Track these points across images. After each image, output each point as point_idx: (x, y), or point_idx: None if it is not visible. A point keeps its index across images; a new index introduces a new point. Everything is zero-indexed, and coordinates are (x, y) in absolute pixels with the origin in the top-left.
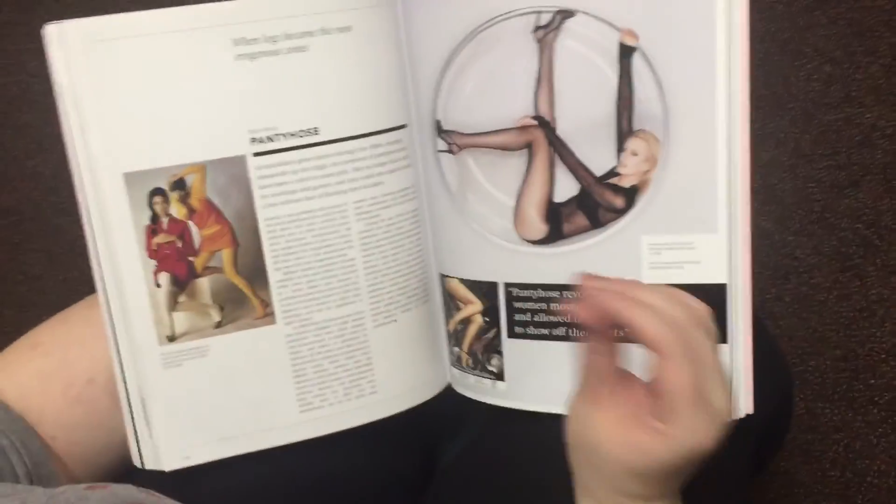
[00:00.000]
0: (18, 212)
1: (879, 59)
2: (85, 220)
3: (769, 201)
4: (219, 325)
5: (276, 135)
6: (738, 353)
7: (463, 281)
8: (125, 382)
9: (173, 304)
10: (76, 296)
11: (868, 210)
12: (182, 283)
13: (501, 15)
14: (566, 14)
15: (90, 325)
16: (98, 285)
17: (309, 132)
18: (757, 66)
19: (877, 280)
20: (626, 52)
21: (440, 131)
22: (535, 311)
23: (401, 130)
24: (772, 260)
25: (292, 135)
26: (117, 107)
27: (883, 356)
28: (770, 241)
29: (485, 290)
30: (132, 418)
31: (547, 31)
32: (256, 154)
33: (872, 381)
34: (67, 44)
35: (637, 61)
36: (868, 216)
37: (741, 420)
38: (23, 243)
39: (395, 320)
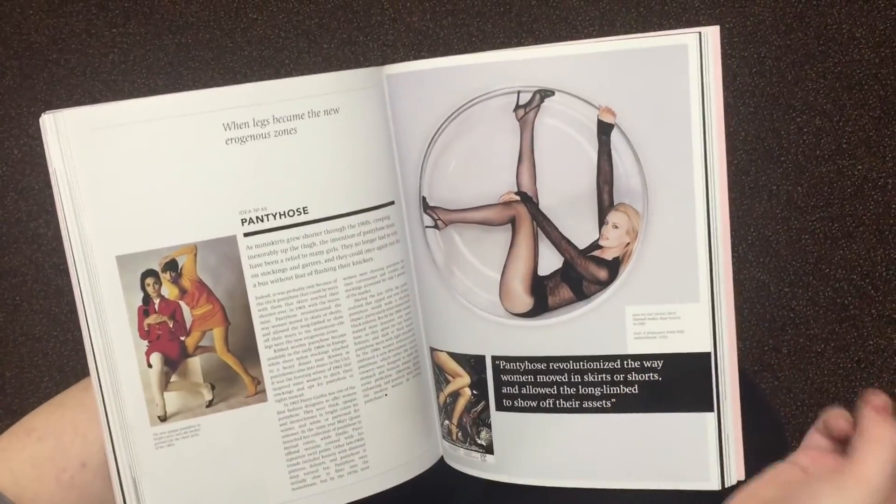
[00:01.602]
0: (20, 273)
1: (869, 111)
2: (78, 301)
3: (764, 253)
4: (210, 403)
5: (266, 214)
6: (727, 420)
7: (451, 354)
8: (117, 463)
9: (165, 384)
10: (76, 357)
11: (862, 261)
12: (174, 363)
13: (483, 95)
14: (546, 93)
15: (84, 408)
16: (91, 366)
17: (298, 211)
18: (748, 121)
19: (873, 331)
20: (604, 129)
21: (426, 207)
22: (523, 384)
23: (389, 207)
24: (768, 312)
25: (282, 214)
26: (110, 191)
27: None
28: (766, 293)
29: (473, 363)
30: (124, 499)
31: (527, 110)
32: (247, 234)
33: None
34: (62, 132)
35: (615, 137)
36: (863, 267)
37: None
38: (24, 304)
39: (386, 395)
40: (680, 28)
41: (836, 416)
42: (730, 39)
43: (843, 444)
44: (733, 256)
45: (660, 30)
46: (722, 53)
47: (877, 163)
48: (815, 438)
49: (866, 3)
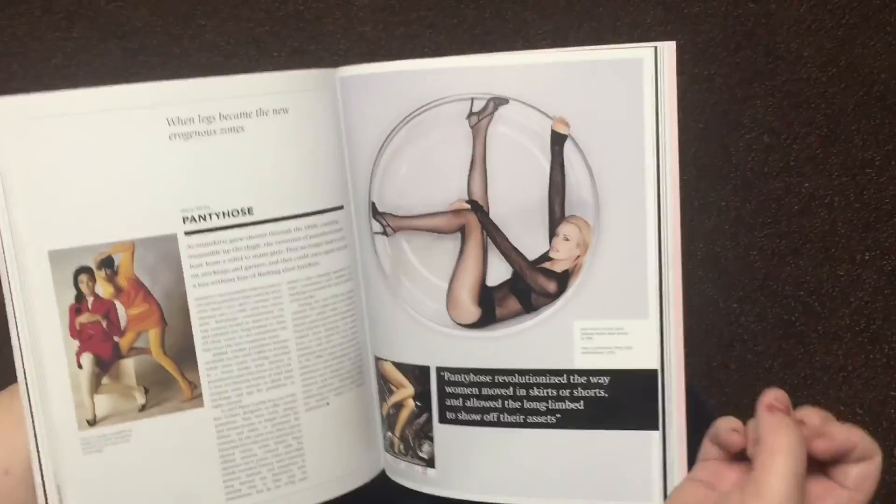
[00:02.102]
0: None
1: (816, 129)
2: (7, 297)
3: (713, 269)
4: (143, 408)
5: (209, 213)
6: (672, 440)
7: (396, 364)
8: (41, 469)
9: (96, 387)
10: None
11: (809, 277)
12: (106, 365)
13: (436, 100)
14: (500, 101)
15: (10, 413)
16: (17, 365)
17: (243, 212)
18: (697, 138)
19: (820, 346)
20: (557, 140)
21: (375, 213)
22: (467, 396)
23: (337, 211)
24: (716, 327)
25: (226, 214)
26: (46, 183)
27: None
28: (715, 309)
29: (417, 374)
30: None
31: (481, 118)
32: (188, 233)
33: None
34: None
35: (569, 148)
36: (809, 283)
37: None
38: None
39: (328, 403)
40: (632, 43)
41: (726, 431)
42: (680, 56)
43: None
44: (682, 272)
45: (612, 44)
46: None
47: (823, 180)
48: (710, 450)
49: (814, 23)
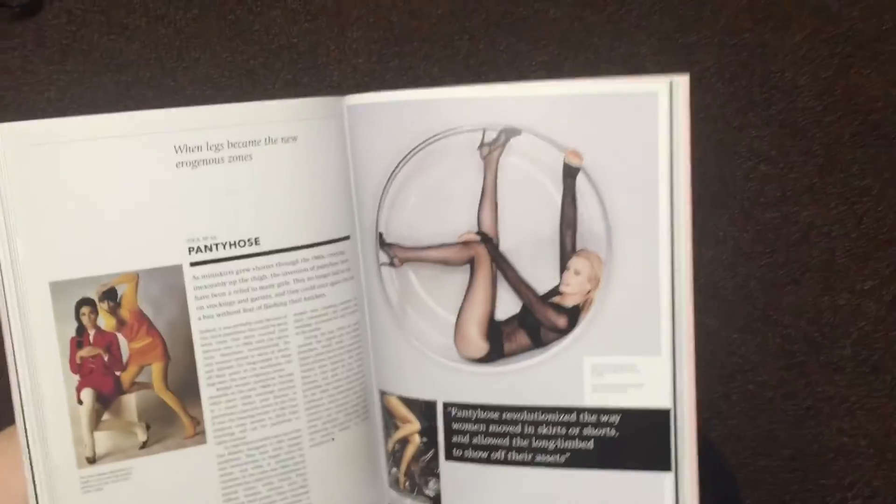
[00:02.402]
0: None
1: (813, 158)
2: (5, 329)
3: (712, 299)
4: (144, 445)
5: (216, 244)
6: (685, 481)
7: (402, 399)
8: None
9: (96, 423)
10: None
11: (809, 307)
12: (107, 400)
13: (447, 131)
14: (512, 132)
15: (7, 456)
16: (15, 401)
17: (250, 242)
18: (694, 166)
19: (821, 377)
20: (570, 172)
21: (382, 244)
22: (474, 433)
23: (344, 242)
24: (717, 358)
25: (232, 244)
26: (48, 212)
27: (831, 455)
28: (715, 339)
29: (423, 409)
30: None
31: (492, 149)
32: (194, 264)
33: (823, 482)
34: None
35: (581, 181)
36: (809, 313)
37: None
38: None
39: (333, 439)
40: (626, 75)
41: None
42: None
43: None
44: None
45: (606, 75)
46: None
47: (821, 210)
48: None
49: (809, 52)
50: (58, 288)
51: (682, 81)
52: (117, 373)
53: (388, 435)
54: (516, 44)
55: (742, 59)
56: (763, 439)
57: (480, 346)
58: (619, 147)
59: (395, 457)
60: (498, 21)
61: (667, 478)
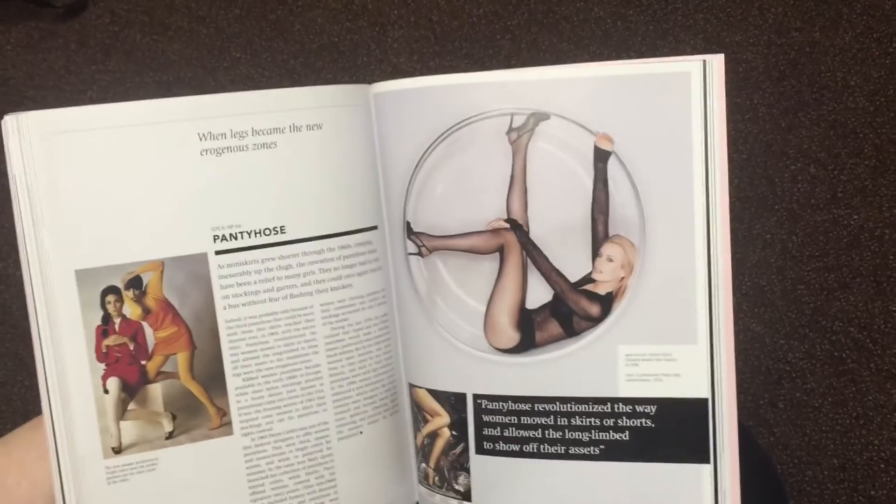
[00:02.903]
0: None
1: (864, 160)
2: (32, 319)
3: (759, 304)
4: (170, 435)
5: (241, 232)
6: (724, 473)
7: (431, 391)
8: (64, 500)
9: (121, 413)
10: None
11: (860, 313)
12: (132, 389)
13: (474, 116)
14: (541, 116)
15: (33, 447)
16: (42, 390)
17: (275, 230)
18: (741, 168)
19: (872, 385)
20: (601, 156)
21: (410, 233)
22: (505, 426)
23: (371, 232)
24: (763, 364)
25: (257, 233)
26: (73, 200)
27: (882, 465)
28: (761, 345)
29: (453, 402)
30: None
31: (521, 134)
32: (219, 252)
33: (873, 493)
34: (25, 134)
35: (613, 165)
36: (860, 319)
37: None
38: None
39: (361, 432)
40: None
41: None
42: None
43: None
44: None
45: (656, 58)
46: None
47: (873, 212)
48: None
49: (860, 52)
50: (83, 276)
51: (716, 60)
52: (143, 362)
53: (417, 429)
54: (558, 43)
55: (791, 59)
56: (811, 449)
57: (511, 336)
58: (651, 130)
59: (424, 451)
60: (540, 20)
61: (705, 470)
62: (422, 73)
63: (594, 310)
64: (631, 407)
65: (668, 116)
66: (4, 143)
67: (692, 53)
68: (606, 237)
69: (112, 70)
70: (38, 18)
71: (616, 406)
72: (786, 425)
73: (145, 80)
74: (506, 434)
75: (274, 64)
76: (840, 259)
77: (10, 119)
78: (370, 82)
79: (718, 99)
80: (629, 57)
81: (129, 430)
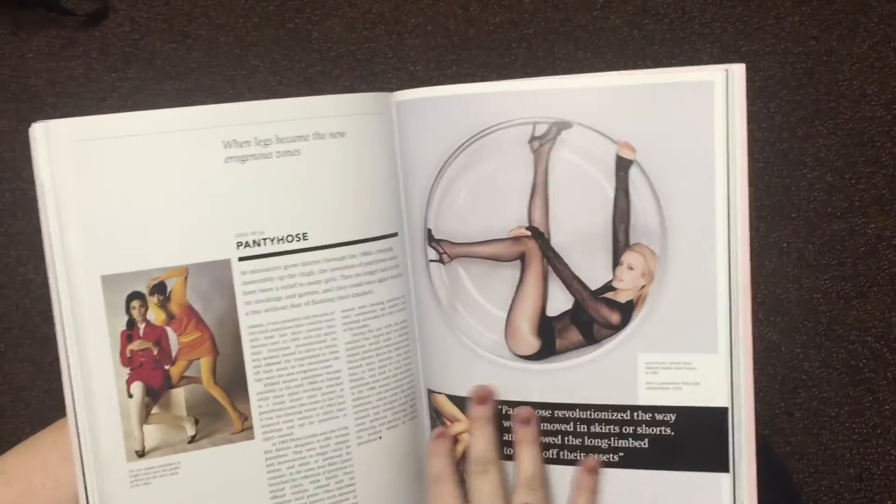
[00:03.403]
0: (7, 319)
1: (882, 168)
2: (57, 323)
3: (775, 312)
4: (193, 439)
5: (264, 239)
6: (742, 483)
7: (450, 397)
8: (87, 502)
9: (145, 417)
10: (60, 407)
11: (877, 322)
12: (156, 394)
13: (497, 125)
14: (563, 125)
15: (58, 448)
16: (66, 394)
17: (297, 237)
18: (758, 176)
19: (889, 395)
20: (622, 165)
21: (431, 240)
22: None
23: (392, 238)
24: (779, 373)
25: (280, 239)
26: (100, 207)
27: None
28: (777, 354)
29: None
30: None
31: (543, 142)
32: (242, 258)
33: (890, 503)
34: (53, 142)
35: (634, 174)
36: (877, 328)
37: None
38: (8, 351)
39: (381, 437)
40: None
41: None
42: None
43: None
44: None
45: (679, 67)
46: None
47: (890, 221)
48: None
49: (877, 60)
50: (109, 281)
51: (738, 70)
52: (166, 367)
53: None
54: (575, 52)
55: (808, 67)
56: (827, 458)
57: (531, 343)
58: (673, 139)
59: None
60: (556, 29)
61: (724, 479)
62: (439, 81)
63: (614, 318)
64: (650, 415)
65: (691, 125)
66: (32, 150)
67: (709, 62)
68: (627, 245)
69: (132, 78)
70: (60, 26)
71: (635, 414)
72: (802, 434)
73: (165, 88)
74: None
75: (292, 72)
76: (857, 268)
77: (38, 127)
78: (387, 90)
79: (740, 108)
80: (646, 65)
81: (153, 433)
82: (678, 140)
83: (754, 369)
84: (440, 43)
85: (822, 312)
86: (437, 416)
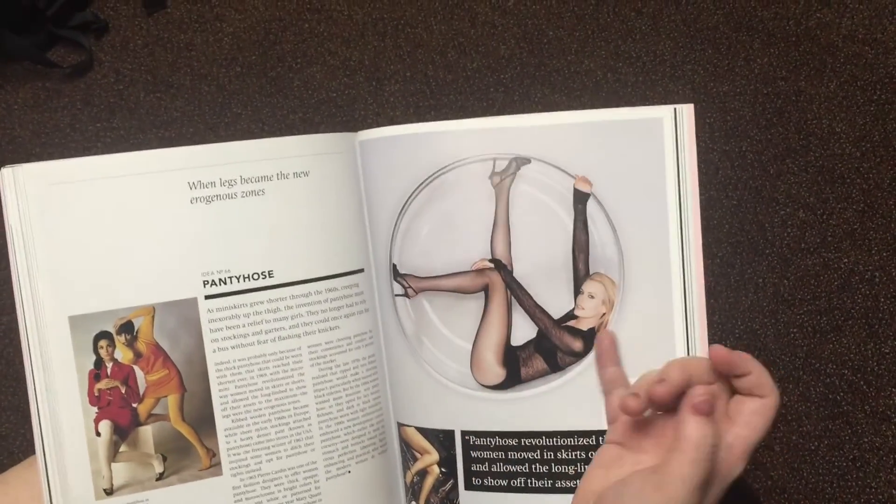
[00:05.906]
0: None
1: (853, 204)
2: (27, 363)
3: (752, 348)
4: (161, 476)
5: (230, 277)
6: None
7: (419, 429)
8: None
9: (113, 455)
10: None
11: (853, 355)
12: (124, 432)
13: (458, 161)
14: (522, 161)
15: (28, 486)
16: (35, 433)
17: (263, 275)
18: (732, 214)
19: (868, 427)
20: (580, 198)
21: (396, 275)
22: (493, 461)
23: (358, 274)
24: None
25: (246, 277)
26: (68, 249)
27: None
28: None
29: (441, 439)
30: None
31: (503, 177)
32: (208, 297)
33: None
34: (20, 185)
35: (591, 206)
36: (854, 361)
37: None
38: None
39: (350, 471)
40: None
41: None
42: (710, 134)
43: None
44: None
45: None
46: (703, 148)
47: (862, 255)
48: (616, 412)
49: (845, 99)
50: (76, 322)
51: (686, 109)
52: (134, 405)
53: (406, 467)
54: (551, 95)
55: (777, 107)
56: (808, 492)
57: (497, 373)
58: (627, 173)
59: (413, 489)
60: (532, 73)
61: None
62: None
63: (577, 345)
64: None
65: (643, 159)
66: (2, 194)
67: (682, 103)
68: (587, 275)
69: (116, 128)
70: (45, 78)
71: (601, 439)
72: (782, 468)
73: (149, 137)
74: (493, 469)
75: (273, 119)
76: (832, 302)
77: (6, 171)
78: None
79: (689, 143)
80: (620, 107)
81: (121, 471)
82: (632, 173)
83: None
84: (419, 88)
85: (799, 346)
86: (407, 449)
